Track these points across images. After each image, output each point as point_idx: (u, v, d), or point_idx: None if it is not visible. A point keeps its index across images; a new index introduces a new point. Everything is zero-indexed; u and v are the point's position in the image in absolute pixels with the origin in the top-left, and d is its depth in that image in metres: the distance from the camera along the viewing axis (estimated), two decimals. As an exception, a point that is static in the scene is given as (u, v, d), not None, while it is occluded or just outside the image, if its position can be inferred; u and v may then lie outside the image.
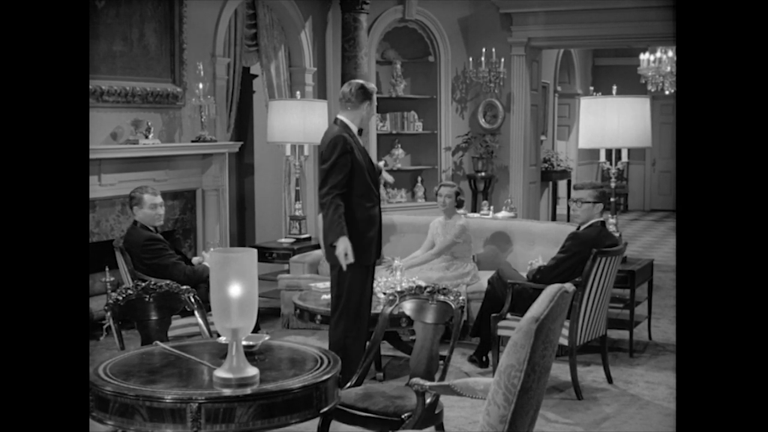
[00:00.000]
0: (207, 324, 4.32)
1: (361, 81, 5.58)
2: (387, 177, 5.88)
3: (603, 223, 6.07)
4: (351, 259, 5.10)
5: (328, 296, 5.78)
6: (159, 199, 6.08)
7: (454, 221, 7.05)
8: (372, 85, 5.51)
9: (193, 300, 4.32)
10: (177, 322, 5.12)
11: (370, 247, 5.31)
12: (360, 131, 5.53)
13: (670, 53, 13.96)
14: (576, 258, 5.77)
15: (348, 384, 4.24)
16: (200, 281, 5.71)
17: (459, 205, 7.13)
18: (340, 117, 5.37)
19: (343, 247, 5.08)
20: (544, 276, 5.86)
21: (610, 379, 5.88)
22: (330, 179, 5.16)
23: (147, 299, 4.22)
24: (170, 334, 4.36)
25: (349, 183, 5.19)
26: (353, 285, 5.25)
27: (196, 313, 4.33)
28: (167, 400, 3.13)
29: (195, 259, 6.29)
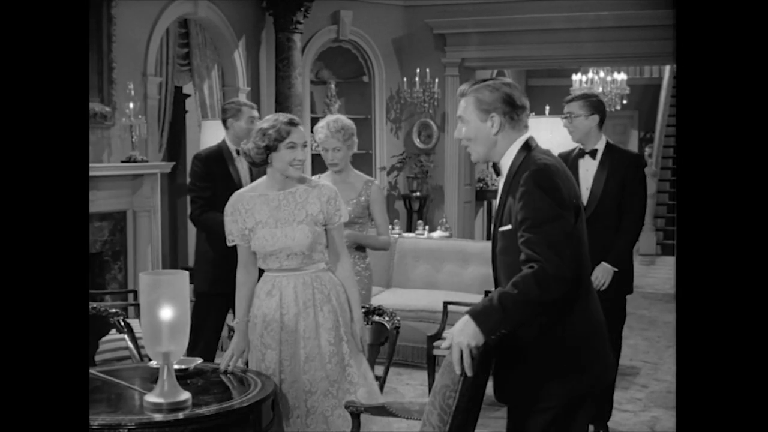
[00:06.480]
0: (137, 347, 4.22)
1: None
2: None
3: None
4: None
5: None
6: (256, 113, 5.81)
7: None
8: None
9: (122, 324, 4.22)
10: (105, 346, 5.00)
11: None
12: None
13: (602, 74, 14.23)
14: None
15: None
16: (209, 231, 5.21)
17: None
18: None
19: None
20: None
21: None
22: None
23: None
24: (98, 358, 4.25)
25: None
26: None
27: (125, 337, 4.23)
28: (95, 427, 3.04)
29: None
